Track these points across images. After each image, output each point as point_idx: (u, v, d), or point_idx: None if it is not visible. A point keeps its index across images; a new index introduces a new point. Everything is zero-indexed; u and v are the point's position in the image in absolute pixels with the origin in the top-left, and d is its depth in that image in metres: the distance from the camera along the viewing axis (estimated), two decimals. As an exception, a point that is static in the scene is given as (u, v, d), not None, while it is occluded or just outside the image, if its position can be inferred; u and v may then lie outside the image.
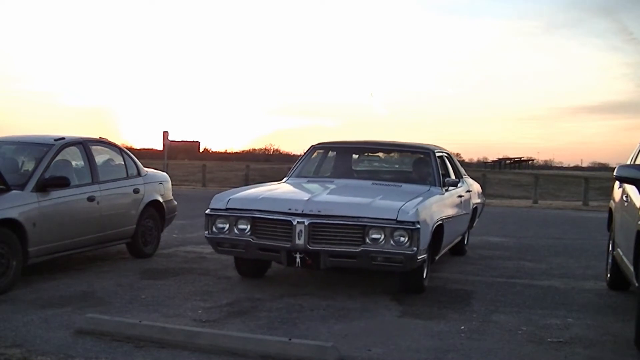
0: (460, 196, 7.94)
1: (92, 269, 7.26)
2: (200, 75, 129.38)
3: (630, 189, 5.62)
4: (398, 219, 5.88)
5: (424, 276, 6.48)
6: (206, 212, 6.50)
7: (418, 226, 5.87)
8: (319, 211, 6.03)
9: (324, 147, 8.35)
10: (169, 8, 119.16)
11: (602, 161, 71.19)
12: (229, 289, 6.39)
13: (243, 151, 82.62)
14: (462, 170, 9.08)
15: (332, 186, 7.07)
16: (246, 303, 5.85)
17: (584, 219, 15.58)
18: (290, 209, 6.08)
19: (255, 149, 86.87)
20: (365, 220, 5.92)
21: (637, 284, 4.95)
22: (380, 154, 9.25)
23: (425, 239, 6.07)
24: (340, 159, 8.24)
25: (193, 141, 73.33)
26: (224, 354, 4.34)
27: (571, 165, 77.54)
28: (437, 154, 7.85)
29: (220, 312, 5.51)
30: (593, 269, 8.11)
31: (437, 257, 7.05)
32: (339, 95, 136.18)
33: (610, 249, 6.91)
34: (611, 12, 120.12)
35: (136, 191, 7.95)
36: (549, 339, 4.97)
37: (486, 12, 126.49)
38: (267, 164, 52.09)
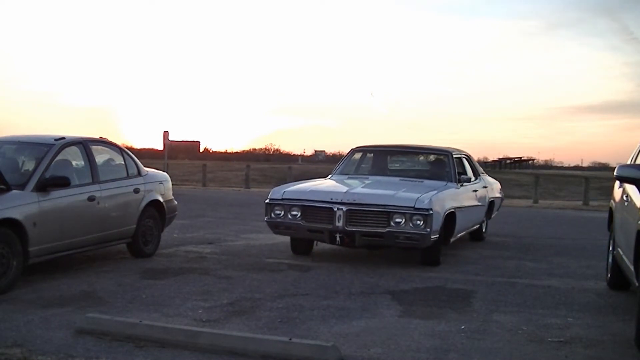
0: (474, 190, 9.50)
1: (93, 268, 7.26)
2: (201, 75, 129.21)
3: (631, 188, 5.62)
4: (415, 206, 7.48)
5: (439, 253, 8.03)
6: (266, 201, 8.17)
7: (431, 212, 7.44)
8: (354, 200, 7.69)
9: (362, 150, 9.99)
10: (169, 8, 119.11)
11: (603, 161, 70.89)
12: (230, 289, 6.39)
13: (243, 151, 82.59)
14: (480, 169, 10.64)
15: (367, 181, 8.78)
16: (246, 303, 5.85)
17: (584, 218, 15.58)
18: (332, 199, 7.75)
19: (255, 149, 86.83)
20: (390, 207, 7.55)
21: (637, 284, 4.95)
22: (408, 155, 10.63)
23: (437, 223, 7.59)
24: (375, 159, 9.87)
25: (193, 141, 73.30)
26: (225, 354, 4.34)
27: (571, 164, 77.30)
28: (455, 156, 9.42)
29: (220, 312, 5.51)
30: (593, 268, 8.11)
31: (451, 239, 8.42)
32: (339, 95, 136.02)
33: (611, 248, 6.91)
34: (611, 12, 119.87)
35: (136, 191, 7.95)
36: (549, 339, 4.97)
37: (486, 12, 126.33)
38: (268, 163, 52.11)
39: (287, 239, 8.77)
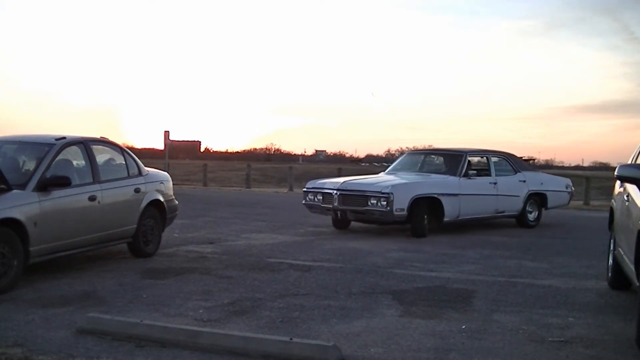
0: (493, 183, 11.94)
1: (93, 268, 7.26)
2: (202, 75, 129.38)
3: (631, 188, 5.61)
4: (382, 192, 10.37)
5: (424, 228, 10.64)
6: (303, 189, 11.64)
7: (392, 197, 10.22)
8: (345, 188, 10.80)
9: (410, 153, 13.61)
10: (171, 8, 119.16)
11: (603, 160, 70.88)
12: (230, 289, 6.39)
13: (244, 151, 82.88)
14: (524, 166, 13.05)
15: (389, 175, 11.90)
16: (247, 302, 5.85)
17: (585, 218, 15.56)
18: (333, 187, 10.93)
19: (256, 149, 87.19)
20: (367, 192, 10.53)
21: (638, 284, 4.94)
22: (436, 156, 13.03)
23: (400, 204, 10.30)
24: (413, 159, 12.90)
25: (194, 141, 73.60)
26: (225, 354, 4.34)
27: (572, 164, 77.40)
28: (470, 156, 12.01)
29: (221, 312, 5.51)
30: (594, 268, 8.10)
31: (445, 219, 10.95)
32: (339, 95, 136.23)
33: (612, 248, 6.90)
34: (612, 11, 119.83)
35: (137, 191, 7.95)
36: (550, 339, 4.97)
37: (486, 12, 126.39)
38: (269, 163, 52.14)
39: (286, 238, 10.22)
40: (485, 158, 12.43)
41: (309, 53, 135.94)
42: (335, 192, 10.73)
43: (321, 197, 11.02)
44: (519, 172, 12.58)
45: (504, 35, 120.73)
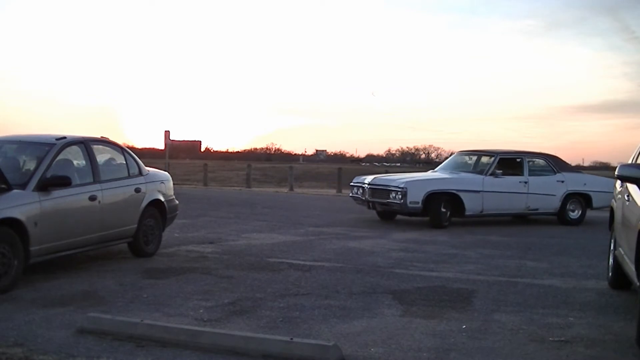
0: (524, 182, 12.95)
1: (94, 268, 7.26)
2: (202, 75, 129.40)
3: (632, 188, 5.60)
4: (399, 186, 12.00)
5: (442, 220, 12.05)
6: (350, 184, 13.70)
7: (405, 190, 11.87)
8: (373, 183, 12.62)
9: (458, 153, 14.65)
10: (171, 8, 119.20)
11: (604, 160, 70.69)
12: (231, 289, 6.39)
13: (244, 150, 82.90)
14: (566, 168, 13.87)
15: (430, 172, 14.02)
16: (248, 302, 5.85)
17: (585, 217, 15.53)
18: (365, 182, 12.79)
19: (256, 148, 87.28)
20: (389, 187, 12.21)
21: (638, 283, 4.94)
22: (474, 156, 14.12)
23: (414, 197, 11.90)
24: (456, 159, 14.41)
25: (194, 140, 73.64)
26: (226, 353, 4.34)
27: (573, 164, 77.16)
28: (502, 156, 13.17)
29: (222, 312, 5.51)
30: (594, 268, 8.10)
31: (466, 214, 12.28)
32: (339, 95, 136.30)
33: (612, 248, 6.89)
34: (612, 11, 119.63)
35: (138, 190, 7.94)
36: (550, 338, 4.97)
37: (487, 11, 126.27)
38: (269, 163, 52.14)
39: (287, 238, 10.14)
40: (520, 159, 13.29)
41: (309, 53, 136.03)
42: (366, 186, 12.64)
43: (361, 191, 12.86)
44: (559, 172, 13.40)
45: (504, 35, 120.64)
